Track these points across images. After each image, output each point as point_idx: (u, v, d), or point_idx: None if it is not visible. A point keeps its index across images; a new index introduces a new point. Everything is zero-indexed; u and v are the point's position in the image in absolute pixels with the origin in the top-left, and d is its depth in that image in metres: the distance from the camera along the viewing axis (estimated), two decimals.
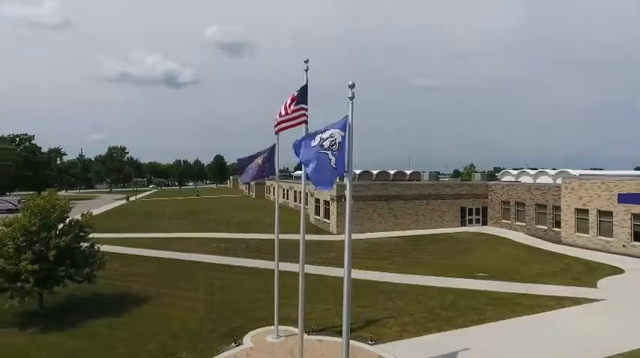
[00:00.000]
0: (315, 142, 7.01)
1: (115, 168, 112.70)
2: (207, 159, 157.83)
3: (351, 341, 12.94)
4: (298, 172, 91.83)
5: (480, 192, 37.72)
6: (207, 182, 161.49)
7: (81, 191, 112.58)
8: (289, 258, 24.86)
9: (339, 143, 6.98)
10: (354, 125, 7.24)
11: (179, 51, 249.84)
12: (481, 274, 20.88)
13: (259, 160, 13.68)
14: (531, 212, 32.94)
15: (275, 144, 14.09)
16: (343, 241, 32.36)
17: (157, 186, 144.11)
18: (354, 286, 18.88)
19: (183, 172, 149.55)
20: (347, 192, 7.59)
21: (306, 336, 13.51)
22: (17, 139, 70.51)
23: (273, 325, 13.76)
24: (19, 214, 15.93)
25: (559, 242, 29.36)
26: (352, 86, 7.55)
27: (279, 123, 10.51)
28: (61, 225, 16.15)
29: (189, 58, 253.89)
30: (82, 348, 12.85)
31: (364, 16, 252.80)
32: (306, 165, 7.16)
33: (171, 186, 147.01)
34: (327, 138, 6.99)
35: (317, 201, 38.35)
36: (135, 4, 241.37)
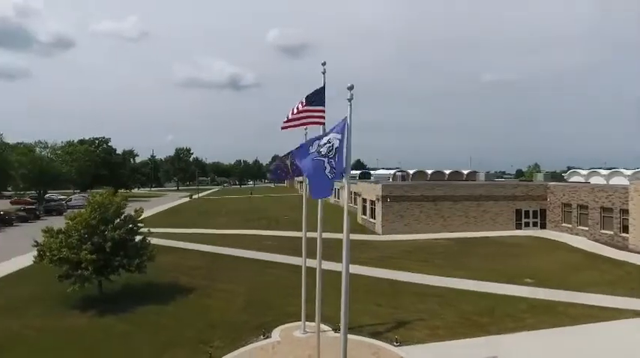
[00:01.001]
0: (313, 149, 7.24)
1: (182, 168, 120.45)
2: (265, 159, 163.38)
3: (376, 341, 13.14)
4: (354, 172, 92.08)
5: (538, 193, 35.43)
6: (266, 181, 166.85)
7: (152, 189, 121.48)
8: (329, 257, 25.29)
9: (336, 148, 7.17)
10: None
11: (242, 55, 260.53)
12: (528, 280, 19.79)
13: (288, 161, 14.20)
14: (595, 216, 30.38)
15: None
16: (388, 241, 32.61)
17: (220, 184, 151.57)
18: (389, 287, 18.97)
19: (244, 171, 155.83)
20: (344, 193, 7.78)
21: (331, 333, 13.88)
22: (96, 142, 78.22)
23: (307, 320, 14.27)
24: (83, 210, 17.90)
25: (625, 248, 26.83)
26: (351, 88, 7.74)
27: (286, 122, 10.81)
28: (117, 220, 17.89)
29: (251, 61, 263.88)
30: (130, 332, 14.18)
31: (425, 11, 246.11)
32: (305, 172, 7.43)
33: (232, 185, 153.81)
34: (325, 144, 7.21)
35: (364, 200, 38.35)
36: (202, 16, 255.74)
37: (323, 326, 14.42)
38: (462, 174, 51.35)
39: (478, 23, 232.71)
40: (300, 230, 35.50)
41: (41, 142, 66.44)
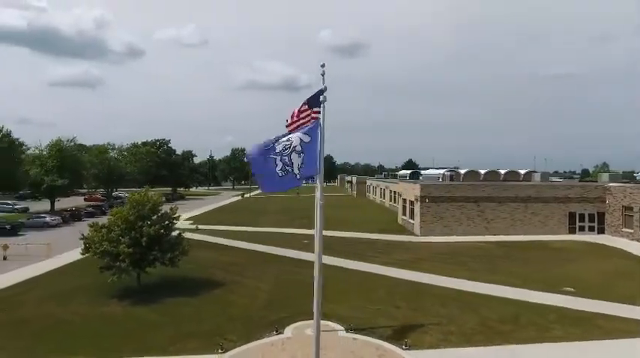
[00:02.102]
0: (268, 146, 7.39)
1: (237, 167, 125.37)
2: None
3: (384, 343, 13.04)
4: (404, 172, 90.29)
5: (595, 195, 32.61)
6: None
7: (210, 188, 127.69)
8: (357, 257, 25.29)
9: (293, 146, 7.28)
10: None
11: (297, 57, 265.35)
12: (567, 289, 18.42)
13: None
14: None
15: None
16: (424, 243, 31.92)
17: None
18: (413, 289, 18.57)
19: None
20: (317, 193, 7.88)
21: (342, 333, 13.97)
22: (158, 143, 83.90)
23: (322, 319, 14.54)
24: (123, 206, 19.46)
25: None
26: (324, 89, 7.84)
27: (288, 125, 10.98)
28: (154, 217, 19.24)
29: (306, 63, 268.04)
30: (156, 322, 15.25)
31: (485, 3, 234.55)
32: (252, 168, 7.56)
33: None
34: (283, 141, 7.33)
35: (404, 201, 37.63)
36: (258, 20, 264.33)
37: (335, 325, 14.62)
38: (519, 174, 48.45)
39: (541, 14, 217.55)
40: (336, 229, 36.04)
41: (109, 144, 72.65)
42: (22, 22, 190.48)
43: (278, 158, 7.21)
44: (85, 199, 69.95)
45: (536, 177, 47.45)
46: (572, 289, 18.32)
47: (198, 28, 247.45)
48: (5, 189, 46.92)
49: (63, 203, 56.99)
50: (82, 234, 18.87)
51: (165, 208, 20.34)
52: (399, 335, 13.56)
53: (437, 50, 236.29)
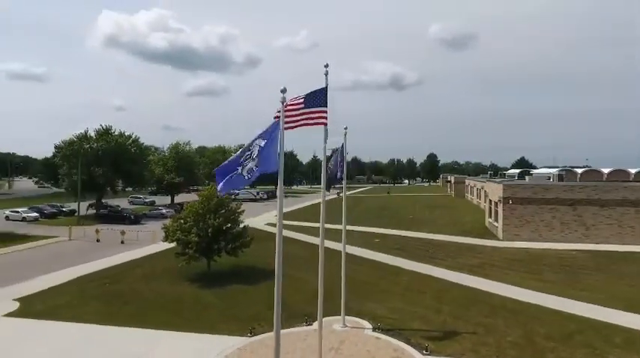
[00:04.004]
0: (236, 156, 7.94)
1: None
2: (420, 157, 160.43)
3: (405, 346, 12.88)
4: (512, 171, 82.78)
5: None
6: (420, 180, 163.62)
7: (312, 186, 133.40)
8: (423, 258, 24.46)
9: (251, 155, 7.78)
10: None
11: (405, 55, 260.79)
12: None
13: (330, 164, 14.97)
14: None
15: (343, 145, 15.12)
16: (502, 248, 30.05)
17: (376, 183, 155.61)
18: (463, 294, 17.52)
19: (397, 170, 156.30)
20: (278, 191, 8.34)
21: (369, 332, 14.08)
22: None
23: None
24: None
25: None
26: (284, 91, 8.28)
27: (286, 123, 11.02)
28: (222, 211, 21.47)
29: (414, 60, 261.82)
30: (211, 303, 17.13)
31: None
32: (218, 174, 8.06)
33: (387, 183, 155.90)
34: (246, 154, 7.84)
35: (490, 202, 34.89)
36: (366, 20, 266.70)
37: (365, 323, 14.80)
38: (627, 173, 41.19)
39: None
40: (415, 230, 35.60)
41: (222, 147, 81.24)
42: (165, 43, 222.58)
43: (239, 168, 7.85)
44: (198, 196, 79.45)
45: None
46: None
47: (310, 33, 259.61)
48: (135, 185, 55.91)
49: (182, 198, 65.61)
50: (164, 224, 21.98)
51: (233, 204, 22.50)
52: (425, 340, 13.13)
53: (554, 38, 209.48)
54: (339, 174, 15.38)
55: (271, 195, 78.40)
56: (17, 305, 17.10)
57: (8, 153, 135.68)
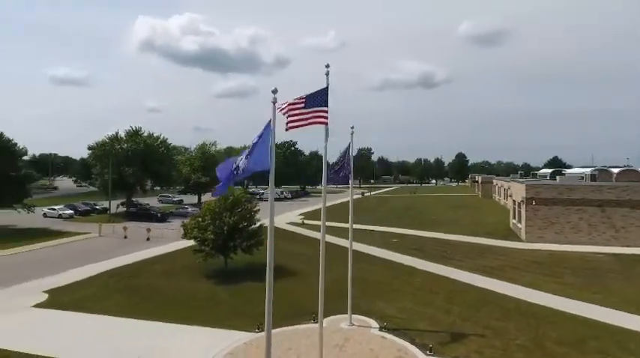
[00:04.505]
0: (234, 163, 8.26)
1: (362, 167, 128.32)
2: (449, 157, 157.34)
3: (409, 345, 12.90)
4: (544, 171, 79.93)
5: None
6: (449, 180, 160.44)
7: (338, 186, 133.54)
8: (440, 259, 24.13)
9: (247, 152, 8.05)
10: None
11: (434, 53, 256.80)
12: None
13: (345, 163, 15.14)
14: None
15: (349, 144, 15.22)
16: (526, 250, 29.41)
17: (403, 183, 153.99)
18: (476, 296, 17.23)
19: (424, 170, 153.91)
20: (269, 190, 8.54)
21: (375, 331, 14.12)
22: (286, 145, 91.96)
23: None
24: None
25: None
26: (275, 91, 8.48)
27: (288, 123, 11.19)
28: (239, 210, 21.98)
29: (443, 58, 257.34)
30: (224, 299, 17.65)
31: None
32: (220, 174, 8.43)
33: (413, 183, 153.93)
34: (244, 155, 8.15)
35: (514, 202, 33.92)
36: (394, 18, 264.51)
37: (372, 322, 14.85)
38: None
39: None
40: (435, 230, 35.37)
41: (246, 147, 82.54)
42: (196, 47, 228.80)
43: (235, 163, 8.16)
44: None
45: None
46: None
47: (338, 33, 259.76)
48: (163, 185, 57.85)
49: (208, 197, 67.25)
50: (183, 222, 22.72)
51: (249, 203, 22.94)
52: (431, 341, 13.05)
53: (589, 34, 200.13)
54: (343, 172, 15.44)
55: (295, 195, 79.91)
56: (46, 296, 18.18)
57: (50, 154, 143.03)
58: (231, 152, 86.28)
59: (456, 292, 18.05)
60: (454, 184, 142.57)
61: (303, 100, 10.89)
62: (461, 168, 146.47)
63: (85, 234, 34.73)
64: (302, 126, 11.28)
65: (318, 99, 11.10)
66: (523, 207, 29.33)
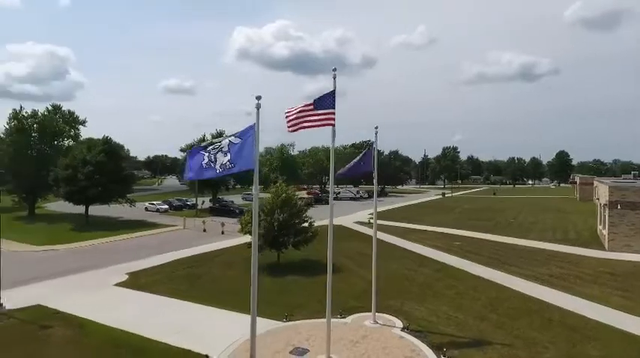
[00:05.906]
0: (202, 147, 9.16)
1: (447, 166, 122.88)
2: (548, 156, 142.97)
3: (425, 348, 12.83)
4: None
5: None
6: (548, 181, 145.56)
7: (421, 186, 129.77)
8: (497, 265, 22.73)
9: (221, 147, 8.85)
10: None
11: (536, 42, 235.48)
12: None
13: (362, 158, 15.44)
14: None
15: (373, 143, 15.46)
16: (602, 260, 27.41)
17: (494, 184, 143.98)
18: (519, 305, 16.23)
19: (518, 170, 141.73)
20: (254, 189, 9.29)
21: (397, 330, 14.19)
22: (364, 144, 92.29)
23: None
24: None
25: None
26: (259, 98, 9.17)
27: (292, 124, 11.76)
28: (289, 207, 23.25)
29: (547, 46, 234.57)
30: (269, 289, 18.58)
31: None
32: (188, 163, 9.39)
33: (506, 184, 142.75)
34: (215, 143, 9.01)
35: (600, 206, 30.16)
36: (486, 8, 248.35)
37: (396, 322, 14.93)
38: None
39: None
40: (507, 235, 34.38)
41: (323, 147, 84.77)
42: (286, 51, 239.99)
43: (206, 154, 9.08)
44: (307, 193, 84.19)
45: None
46: None
47: (426, 28, 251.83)
48: (245, 183, 62.31)
49: None
50: (240, 218, 24.71)
51: (300, 202, 24.09)
52: (451, 345, 12.77)
53: None
54: (359, 170, 15.66)
55: (371, 195, 79.69)
56: (126, 277, 21.37)
57: (161, 156, 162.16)
58: (317, 153, 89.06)
59: (499, 299, 17.07)
60: (552, 186, 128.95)
61: (312, 105, 11.58)
62: (562, 167, 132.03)
63: (172, 227, 39.26)
64: (311, 127, 11.96)
65: (326, 101, 11.65)
66: (606, 211, 26.08)
